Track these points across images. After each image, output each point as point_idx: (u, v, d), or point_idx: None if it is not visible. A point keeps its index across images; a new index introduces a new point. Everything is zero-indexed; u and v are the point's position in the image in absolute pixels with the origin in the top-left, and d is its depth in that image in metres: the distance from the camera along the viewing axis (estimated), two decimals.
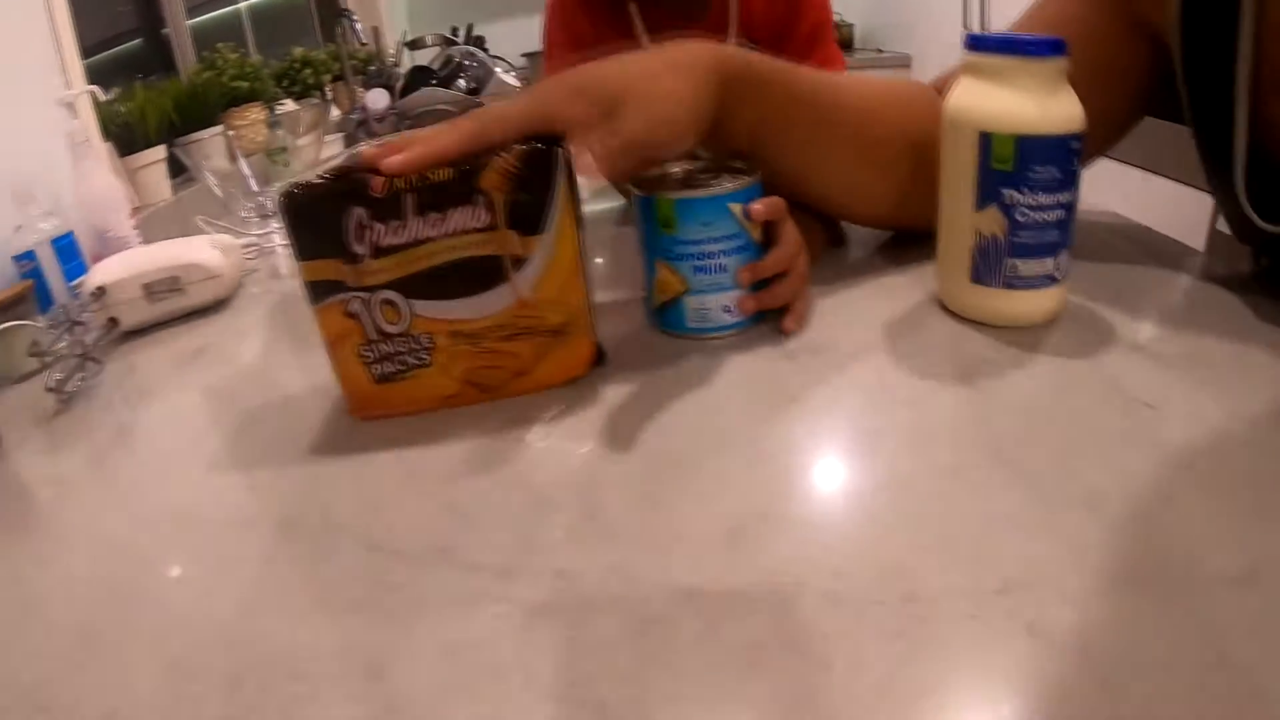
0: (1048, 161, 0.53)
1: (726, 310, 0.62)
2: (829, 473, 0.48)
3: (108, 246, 1.05)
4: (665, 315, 0.64)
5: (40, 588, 0.48)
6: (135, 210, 1.16)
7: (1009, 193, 0.55)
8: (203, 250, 0.90)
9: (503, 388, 0.57)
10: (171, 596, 0.46)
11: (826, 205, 0.73)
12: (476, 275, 0.54)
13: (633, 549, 0.42)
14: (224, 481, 0.55)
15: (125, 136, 1.28)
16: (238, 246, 0.96)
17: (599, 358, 0.60)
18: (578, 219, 0.55)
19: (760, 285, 0.62)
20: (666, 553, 0.42)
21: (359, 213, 0.52)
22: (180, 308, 0.89)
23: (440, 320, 0.55)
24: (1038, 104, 0.53)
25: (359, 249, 0.52)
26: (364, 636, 0.39)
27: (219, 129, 1.27)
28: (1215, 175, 0.61)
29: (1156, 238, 0.74)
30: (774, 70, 0.64)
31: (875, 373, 0.56)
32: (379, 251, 0.52)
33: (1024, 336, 0.57)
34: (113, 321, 0.87)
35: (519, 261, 0.54)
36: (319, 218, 0.52)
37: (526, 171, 0.52)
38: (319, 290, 0.54)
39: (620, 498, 0.46)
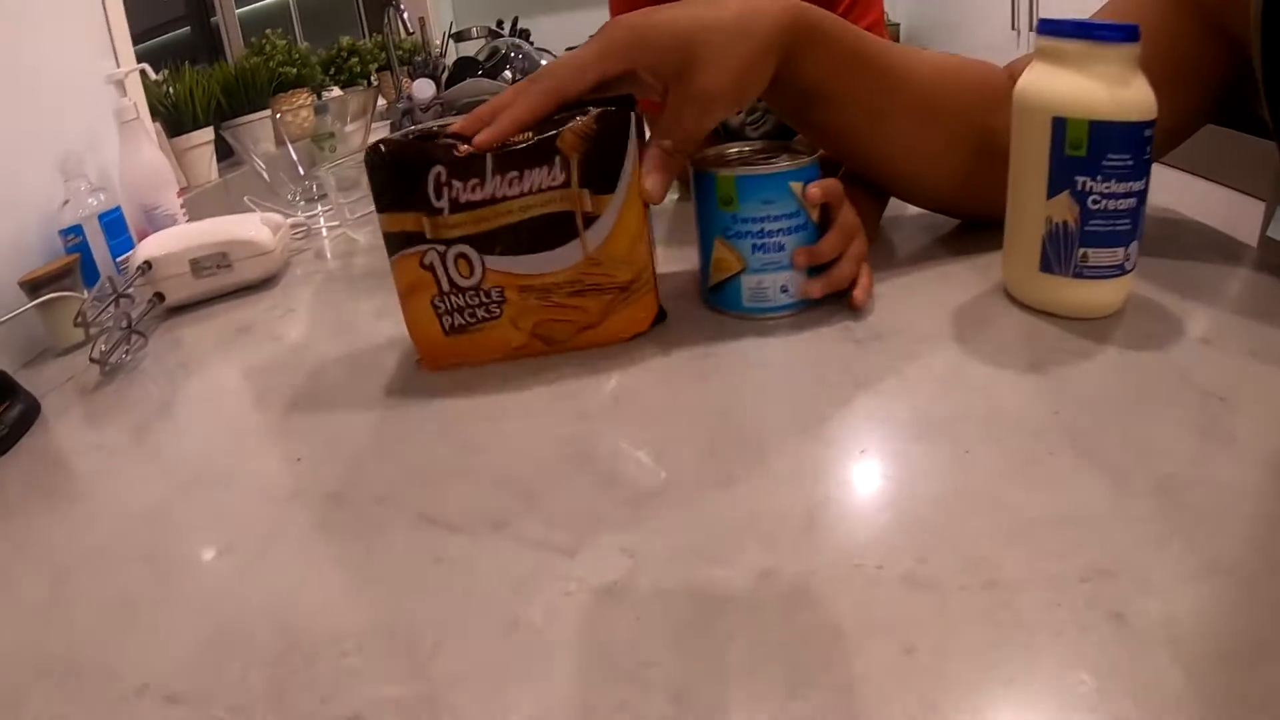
0: (1121, 148, 0.57)
1: (783, 290, 0.68)
2: (904, 457, 0.50)
3: (155, 223, 1.13)
4: (721, 294, 0.70)
5: (76, 556, 0.52)
6: (181, 191, 1.25)
7: (1082, 180, 0.58)
8: (253, 227, 0.99)
9: (569, 341, 0.65)
10: (214, 568, 0.49)
11: (884, 176, 0.79)
12: (548, 232, 0.61)
13: (706, 527, 0.46)
14: (269, 453, 0.61)
15: (173, 118, 1.39)
16: (286, 225, 1.04)
17: (661, 315, 0.68)
18: None
19: (816, 270, 0.68)
20: (741, 532, 0.45)
21: (440, 170, 0.59)
22: (227, 284, 0.97)
23: (511, 275, 0.62)
24: (1111, 90, 0.57)
25: (438, 204, 0.60)
26: (417, 612, 0.42)
27: (266, 113, 1.36)
28: None
29: (1217, 234, 0.78)
30: (843, 29, 0.68)
31: (944, 360, 0.60)
32: (457, 207, 0.60)
33: (1091, 328, 0.61)
34: (159, 296, 0.95)
35: (590, 219, 0.62)
36: (402, 172, 0.60)
37: (602, 132, 0.60)
38: (397, 241, 0.62)
39: (691, 474, 0.51)
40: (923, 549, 0.42)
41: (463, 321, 0.63)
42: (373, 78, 1.96)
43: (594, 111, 0.60)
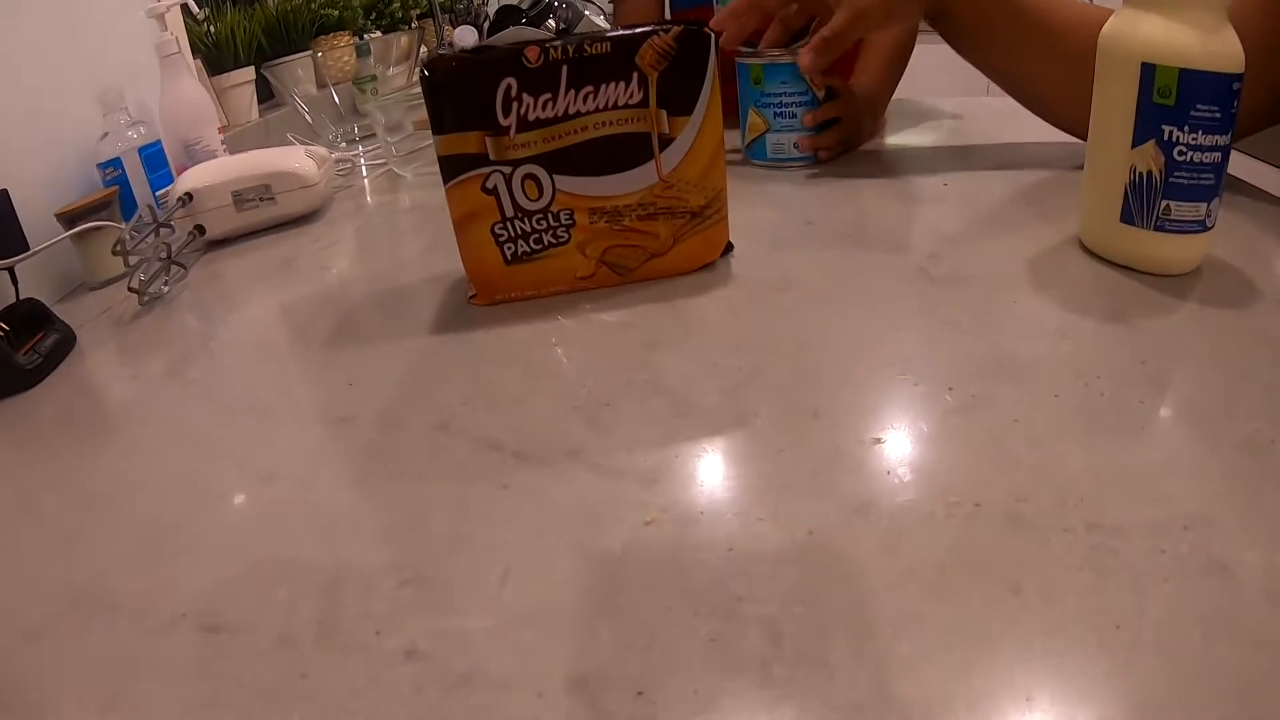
0: (1210, 99, 0.55)
1: (795, 146, 0.92)
2: (991, 398, 0.48)
3: (195, 158, 1.10)
4: (753, 150, 0.95)
5: (109, 485, 0.50)
6: (222, 129, 1.22)
7: (1169, 129, 0.56)
8: (297, 159, 0.95)
9: (637, 270, 0.62)
10: (259, 495, 0.46)
11: (1023, 100, 0.88)
12: (623, 152, 0.58)
13: (793, 460, 0.43)
14: (316, 382, 0.58)
15: (214, 56, 1.35)
16: (331, 159, 1.01)
17: (728, 247, 0.65)
18: (721, 104, 0.58)
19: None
20: (830, 466, 0.42)
21: (509, 83, 0.56)
22: (269, 218, 0.94)
23: (583, 196, 0.59)
24: (1201, 39, 0.55)
25: (505, 121, 0.56)
26: (482, 541, 0.40)
27: (307, 54, 1.32)
28: None
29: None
30: None
31: (1025, 305, 0.57)
32: (526, 125, 0.57)
33: (1170, 283, 0.58)
34: (199, 229, 0.92)
35: (665, 141, 0.58)
36: (464, 90, 0.56)
37: (682, 52, 0.56)
38: (454, 165, 0.58)
39: (773, 405, 0.48)
40: (1021, 489, 0.40)
41: (527, 249, 0.60)
42: (414, 24, 1.92)
43: (675, 29, 0.56)
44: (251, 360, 0.64)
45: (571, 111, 0.56)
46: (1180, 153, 0.56)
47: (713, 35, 0.57)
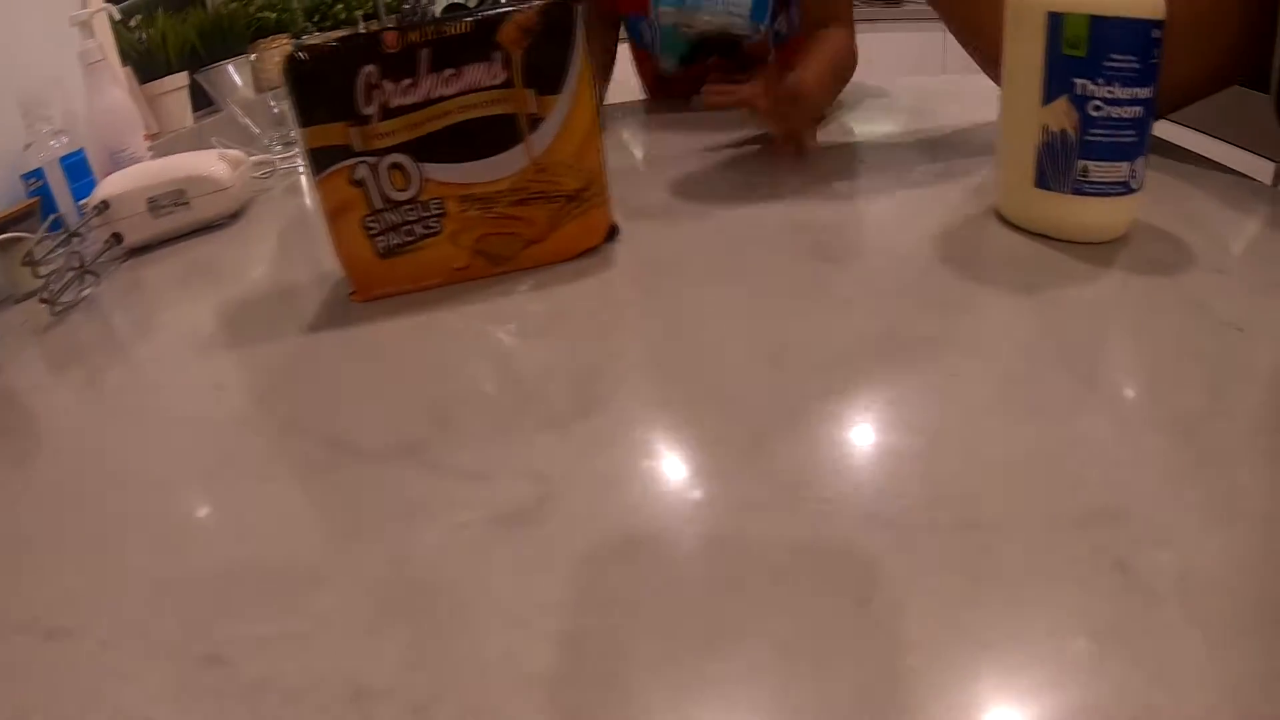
0: (1126, 49, 0.52)
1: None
2: (872, 381, 0.45)
3: (122, 166, 1.08)
4: None
5: None
6: (154, 136, 1.20)
7: (1082, 82, 0.53)
8: (210, 162, 0.93)
9: (515, 258, 0.59)
10: (113, 502, 0.44)
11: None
12: (490, 136, 0.56)
13: (631, 455, 0.40)
14: (193, 385, 0.56)
15: (146, 63, 1.33)
16: (246, 160, 0.99)
17: (612, 232, 0.62)
18: (594, 80, 0.56)
19: None
20: (670, 459, 0.40)
21: (369, 71, 0.53)
22: (186, 223, 0.92)
23: (451, 184, 0.56)
24: None
25: (368, 110, 0.54)
26: (303, 544, 0.38)
27: (244, 58, 1.30)
28: None
29: (1226, 170, 0.72)
30: None
31: (928, 278, 0.55)
32: (389, 112, 0.54)
33: (1093, 251, 0.55)
34: (116, 237, 0.90)
35: (535, 121, 0.56)
36: (326, 80, 0.54)
37: (546, 27, 0.54)
38: (322, 158, 0.56)
39: (624, 396, 0.45)
40: (890, 482, 0.36)
41: (399, 241, 0.57)
42: (360, 25, 1.90)
43: (537, 4, 0.54)
44: (141, 367, 0.62)
45: (434, 96, 0.54)
46: (1095, 108, 0.53)
47: (580, 5, 0.55)
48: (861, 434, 0.40)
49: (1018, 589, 0.30)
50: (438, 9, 1.80)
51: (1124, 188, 0.54)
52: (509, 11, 0.53)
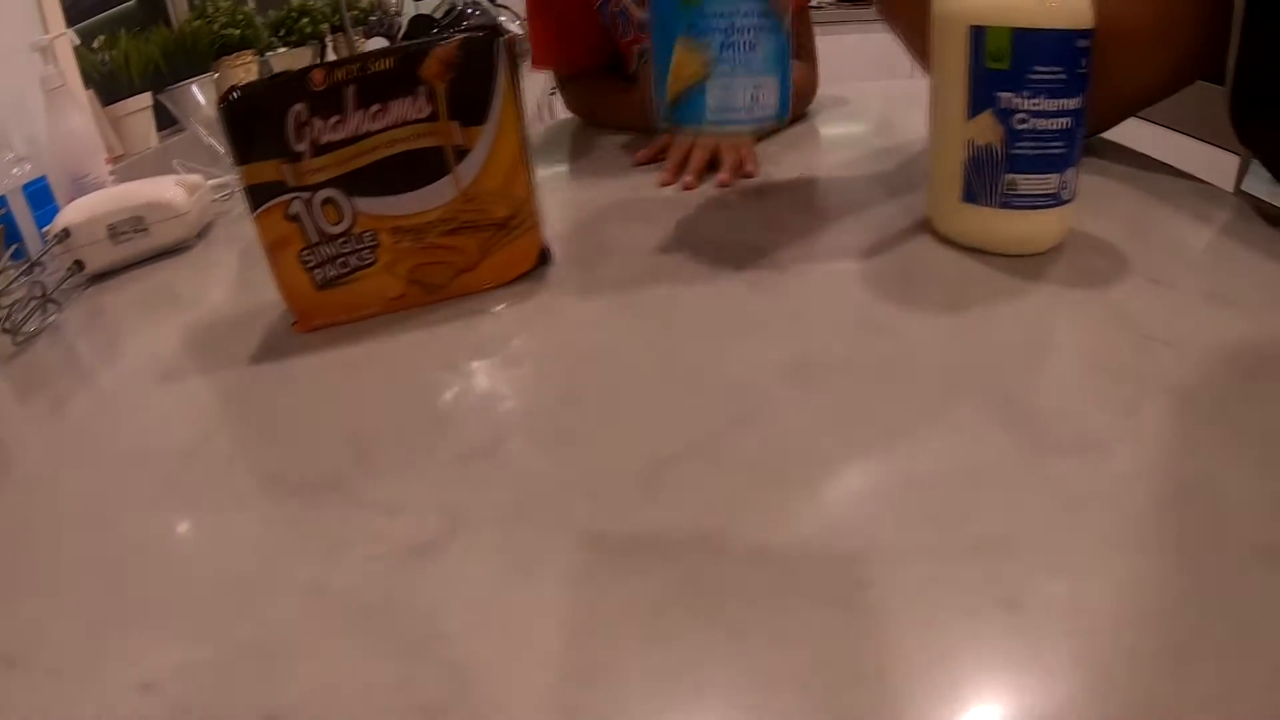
0: (1050, 60, 0.51)
1: (754, 98, 0.58)
2: (779, 407, 0.44)
3: (84, 192, 1.09)
4: (683, 107, 0.59)
5: None
6: (118, 158, 1.21)
7: (1006, 96, 0.53)
8: (167, 189, 0.94)
9: (448, 286, 0.60)
10: (53, 533, 0.45)
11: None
12: (418, 169, 0.57)
13: (535, 485, 0.41)
14: (146, 415, 0.57)
15: (109, 84, 1.34)
16: (205, 185, 1.00)
17: (544, 257, 0.63)
18: (520, 110, 0.57)
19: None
20: (570, 491, 0.40)
21: (299, 109, 0.55)
22: (146, 249, 0.93)
23: (383, 216, 0.58)
24: None
25: (299, 147, 0.55)
26: (229, 574, 0.39)
27: (208, 76, 1.30)
28: (1261, 119, 0.59)
29: (1180, 175, 0.72)
30: None
31: (849, 300, 0.55)
32: (319, 149, 0.56)
33: (1023, 264, 0.55)
34: (78, 264, 0.90)
35: (461, 153, 0.57)
36: (259, 119, 0.55)
37: (468, 60, 0.55)
38: (259, 194, 0.57)
39: (537, 426, 0.46)
40: (780, 513, 0.36)
41: (335, 272, 0.58)
42: (326, 39, 1.90)
43: (458, 37, 0.55)
44: (103, 397, 0.63)
45: (362, 132, 0.55)
46: (1020, 120, 0.53)
47: (499, 39, 0.56)
48: (760, 463, 0.40)
49: (899, 622, 0.30)
50: (404, 21, 1.81)
51: (1054, 199, 0.54)
52: (430, 46, 0.54)
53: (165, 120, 1.40)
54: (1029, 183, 0.54)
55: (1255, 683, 0.27)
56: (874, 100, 1.09)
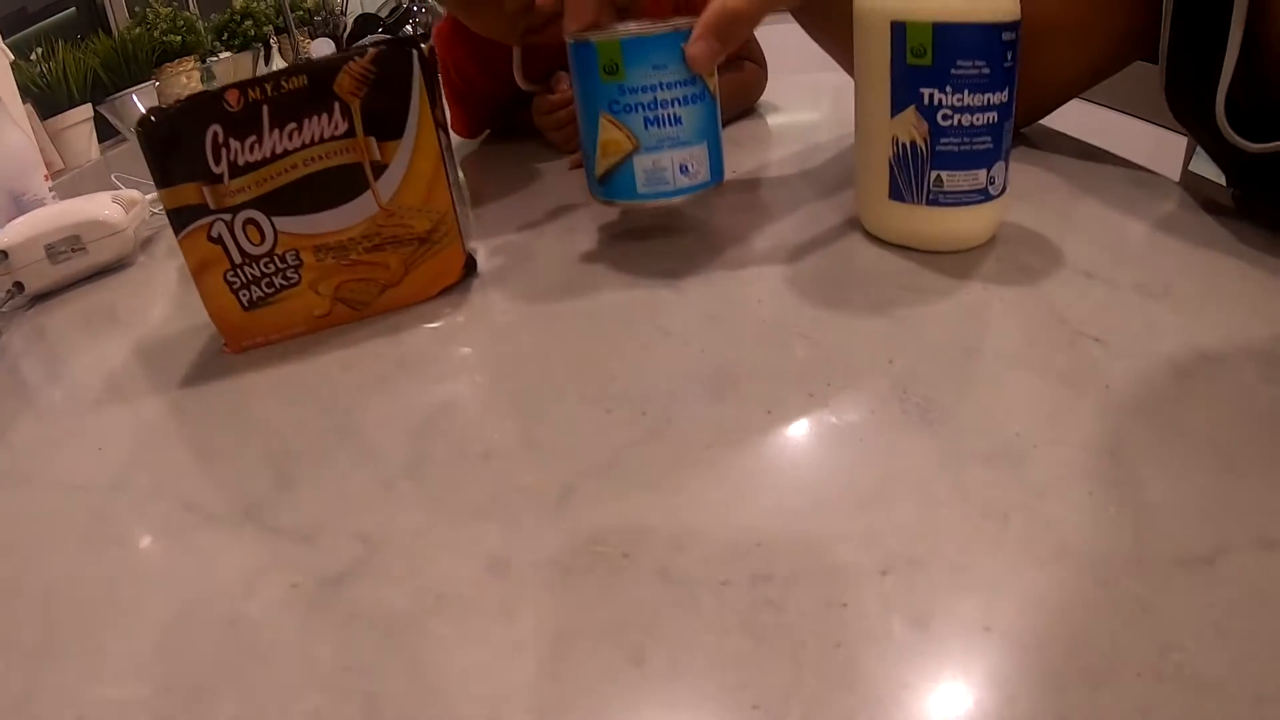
0: (974, 54, 0.50)
1: (683, 170, 0.59)
2: (690, 421, 0.43)
3: (23, 209, 1.07)
4: (611, 183, 0.61)
5: None
6: (58, 173, 1.19)
7: (929, 91, 0.52)
8: (103, 206, 0.93)
9: (373, 303, 0.60)
10: (3, 566, 0.45)
11: None
12: (337, 186, 0.56)
13: (448, 509, 0.41)
14: (77, 444, 0.56)
15: (48, 97, 1.31)
16: (143, 200, 0.99)
17: (470, 268, 0.63)
18: (438, 121, 0.57)
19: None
20: (483, 514, 0.39)
21: (215, 130, 0.54)
22: (85, 268, 0.92)
23: (304, 235, 0.57)
24: None
25: (218, 169, 0.55)
26: (148, 610, 0.38)
27: (149, 85, 1.29)
28: (1192, 99, 0.60)
29: (1134, 168, 0.71)
30: None
31: (770, 303, 0.54)
32: (237, 170, 0.55)
33: (952, 261, 0.54)
34: (18, 285, 0.89)
35: (379, 168, 0.57)
36: (178, 141, 0.55)
37: (381, 74, 0.55)
38: (181, 217, 0.56)
39: (448, 445, 0.45)
40: (687, 533, 0.35)
41: (260, 293, 0.58)
42: (271, 41, 1.88)
43: (371, 51, 0.54)
44: (42, 423, 0.62)
45: (279, 151, 0.55)
46: (945, 117, 0.52)
47: (413, 50, 0.55)
48: (668, 481, 0.39)
49: (799, 648, 0.29)
50: (349, 20, 1.79)
51: (983, 195, 0.54)
52: (342, 62, 0.54)
53: (107, 131, 1.38)
54: (955, 179, 0.53)
55: (1176, 705, 0.26)
56: (825, 93, 1.08)
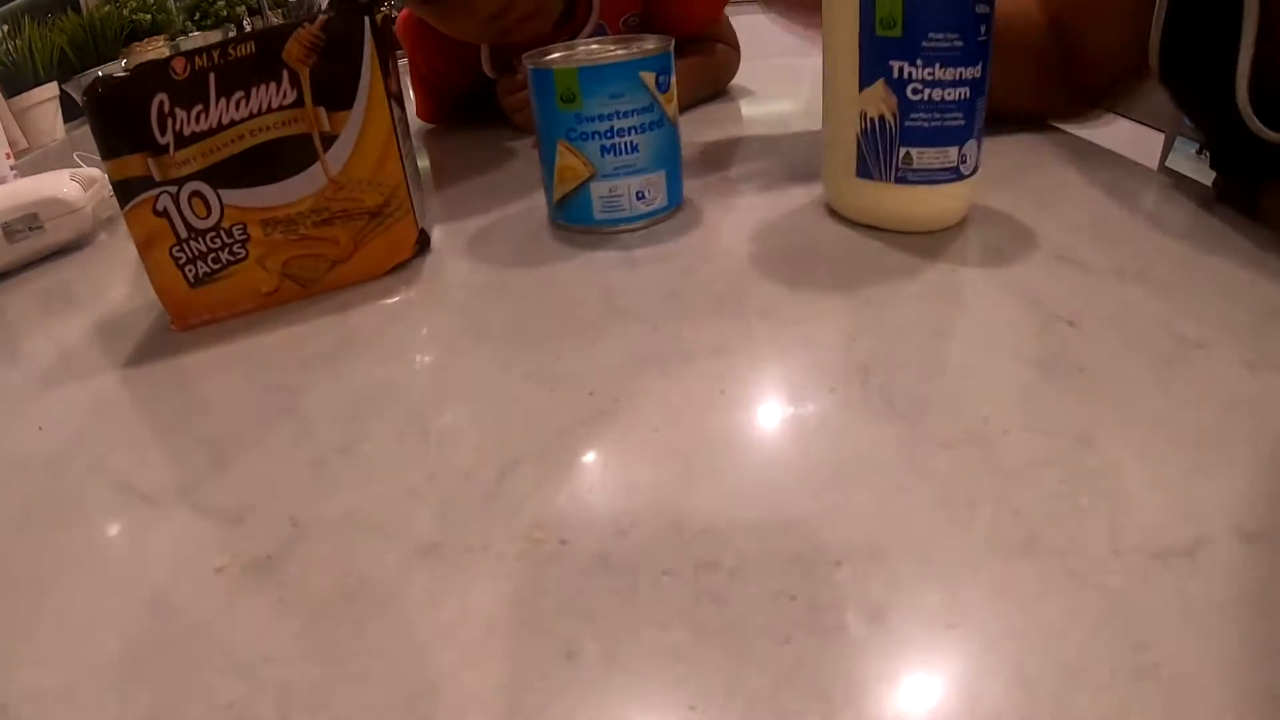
0: (946, 26, 0.48)
1: (639, 197, 0.60)
2: (640, 400, 0.41)
3: None
4: (568, 208, 0.61)
5: None
6: (23, 151, 1.16)
7: (899, 64, 0.50)
8: (62, 184, 0.90)
9: (322, 280, 0.58)
10: None
11: None
12: (285, 158, 0.54)
13: (382, 491, 0.38)
14: (26, 421, 0.54)
15: (13, 75, 1.29)
16: (100, 178, 0.96)
17: (422, 245, 0.61)
18: (391, 91, 0.54)
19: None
20: (414, 498, 0.38)
21: (161, 99, 0.52)
22: (43, 247, 0.89)
23: (252, 209, 0.55)
24: None
25: (163, 139, 0.53)
26: (77, 593, 0.36)
27: (116, 64, 1.26)
28: (1203, 93, 0.57)
29: (1100, 150, 0.69)
30: None
31: (730, 282, 0.52)
32: (183, 140, 0.53)
33: (921, 242, 0.53)
34: None
35: (328, 140, 0.54)
36: (124, 110, 0.52)
37: (331, 41, 0.53)
38: (126, 190, 0.54)
39: (386, 427, 0.43)
40: (629, 520, 0.33)
41: (207, 269, 0.56)
42: (244, 21, 1.84)
43: (321, 17, 0.52)
44: None
45: (226, 121, 0.53)
46: (915, 91, 0.50)
47: (365, 16, 0.53)
48: (614, 465, 0.38)
49: (743, 643, 0.27)
50: (323, 2, 1.76)
51: (954, 174, 0.52)
52: (292, 28, 0.52)
53: (74, 110, 1.35)
54: (925, 156, 0.52)
55: (1152, 705, 0.24)
56: (802, 78, 1.07)
